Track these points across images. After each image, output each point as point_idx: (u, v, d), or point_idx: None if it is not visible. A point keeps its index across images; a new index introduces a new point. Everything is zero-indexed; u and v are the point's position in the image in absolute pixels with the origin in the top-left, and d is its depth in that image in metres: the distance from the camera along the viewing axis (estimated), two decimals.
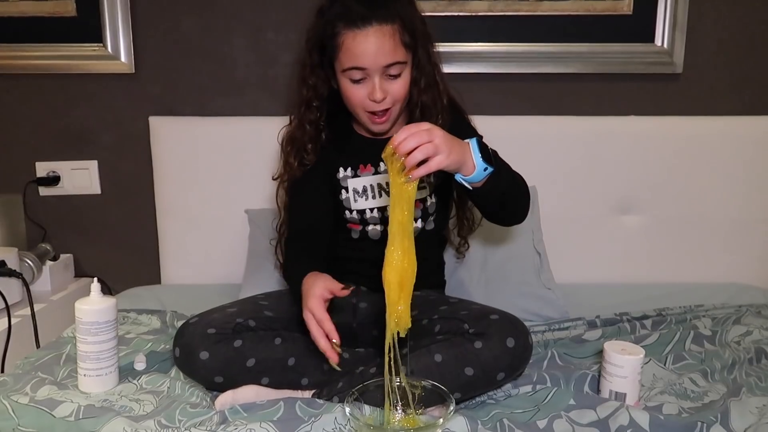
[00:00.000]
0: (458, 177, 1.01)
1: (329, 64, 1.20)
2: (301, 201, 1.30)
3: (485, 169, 1.00)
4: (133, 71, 1.68)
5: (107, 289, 1.77)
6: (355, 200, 1.28)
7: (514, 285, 1.48)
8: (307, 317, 1.00)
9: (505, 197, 1.11)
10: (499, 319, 1.06)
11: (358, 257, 1.31)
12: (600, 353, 1.12)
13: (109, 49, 1.66)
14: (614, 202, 1.69)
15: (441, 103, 1.25)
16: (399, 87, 1.18)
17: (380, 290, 1.29)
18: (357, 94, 1.17)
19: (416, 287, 1.33)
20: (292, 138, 1.29)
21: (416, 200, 1.26)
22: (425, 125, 0.94)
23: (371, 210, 1.28)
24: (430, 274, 1.36)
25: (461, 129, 1.27)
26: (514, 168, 1.15)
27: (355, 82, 1.17)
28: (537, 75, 1.69)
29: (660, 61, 1.68)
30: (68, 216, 1.77)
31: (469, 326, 1.05)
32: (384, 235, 1.27)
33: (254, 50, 1.69)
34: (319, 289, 1.02)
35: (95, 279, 1.15)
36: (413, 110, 1.25)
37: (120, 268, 1.80)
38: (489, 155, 1.02)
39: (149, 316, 1.43)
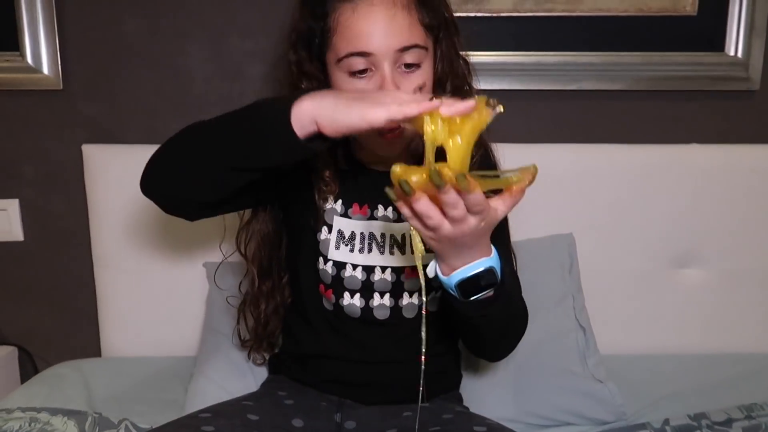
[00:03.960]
0: (432, 267, 0.76)
1: (318, 59, 0.87)
2: None
3: (452, 289, 0.76)
4: (61, 87, 1.32)
5: (31, 363, 1.42)
6: (337, 246, 0.94)
7: (553, 376, 1.12)
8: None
9: (481, 332, 0.87)
10: None
11: (335, 352, 0.96)
12: None
13: (29, 59, 1.30)
14: (671, 253, 1.34)
15: None
16: (419, 83, 0.84)
17: (371, 402, 0.96)
18: None
19: (426, 392, 0.99)
20: None
21: (413, 267, 0.93)
22: None
23: (353, 268, 0.93)
24: (442, 373, 1.01)
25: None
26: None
27: (357, 75, 0.83)
28: (575, 93, 1.34)
29: (731, 75, 1.33)
30: None
31: None
32: (365, 312, 0.93)
33: (215, 60, 1.33)
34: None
35: None
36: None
37: (51, 335, 1.43)
38: (490, 283, 0.75)
39: (64, 419, 1.07)
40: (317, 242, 0.95)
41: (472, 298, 0.75)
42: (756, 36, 1.31)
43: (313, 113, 0.71)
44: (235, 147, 0.78)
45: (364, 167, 0.96)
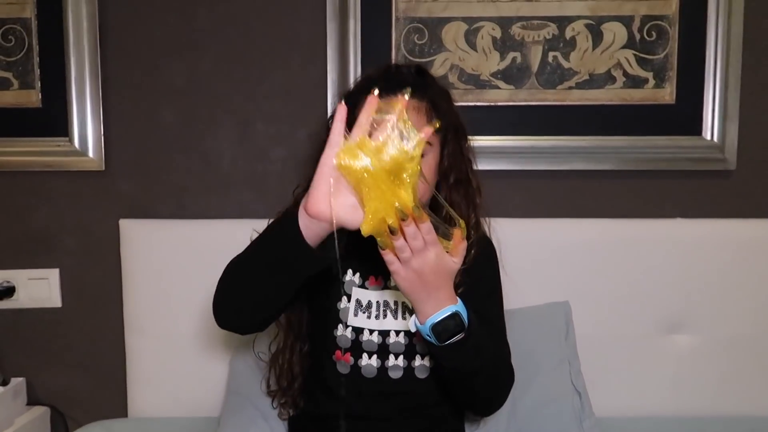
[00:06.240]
0: (413, 320, 0.90)
1: None
2: None
3: (428, 335, 0.87)
4: (103, 168, 1.47)
5: (63, 423, 1.51)
6: (355, 314, 1.06)
7: None
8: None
9: (465, 383, 0.98)
10: None
11: (351, 412, 1.05)
12: None
13: (76, 143, 1.45)
14: (662, 319, 1.43)
15: (474, 206, 1.07)
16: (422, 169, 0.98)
17: None
18: None
19: None
20: None
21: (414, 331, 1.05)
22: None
23: (370, 332, 1.05)
24: None
25: (486, 267, 1.05)
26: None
27: None
28: (567, 172, 1.47)
29: (709, 157, 1.45)
30: (22, 333, 1.52)
31: None
32: (381, 372, 1.04)
33: (241, 143, 1.48)
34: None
35: None
36: (439, 209, 1.04)
37: (81, 396, 1.53)
38: (459, 325, 0.87)
39: None
40: (337, 310, 1.07)
41: (446, 343, 0.87)
42: (730, 122, 1.43)
43: (309, 214, 0.82)
44: (274, 279, 0.89)
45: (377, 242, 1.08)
